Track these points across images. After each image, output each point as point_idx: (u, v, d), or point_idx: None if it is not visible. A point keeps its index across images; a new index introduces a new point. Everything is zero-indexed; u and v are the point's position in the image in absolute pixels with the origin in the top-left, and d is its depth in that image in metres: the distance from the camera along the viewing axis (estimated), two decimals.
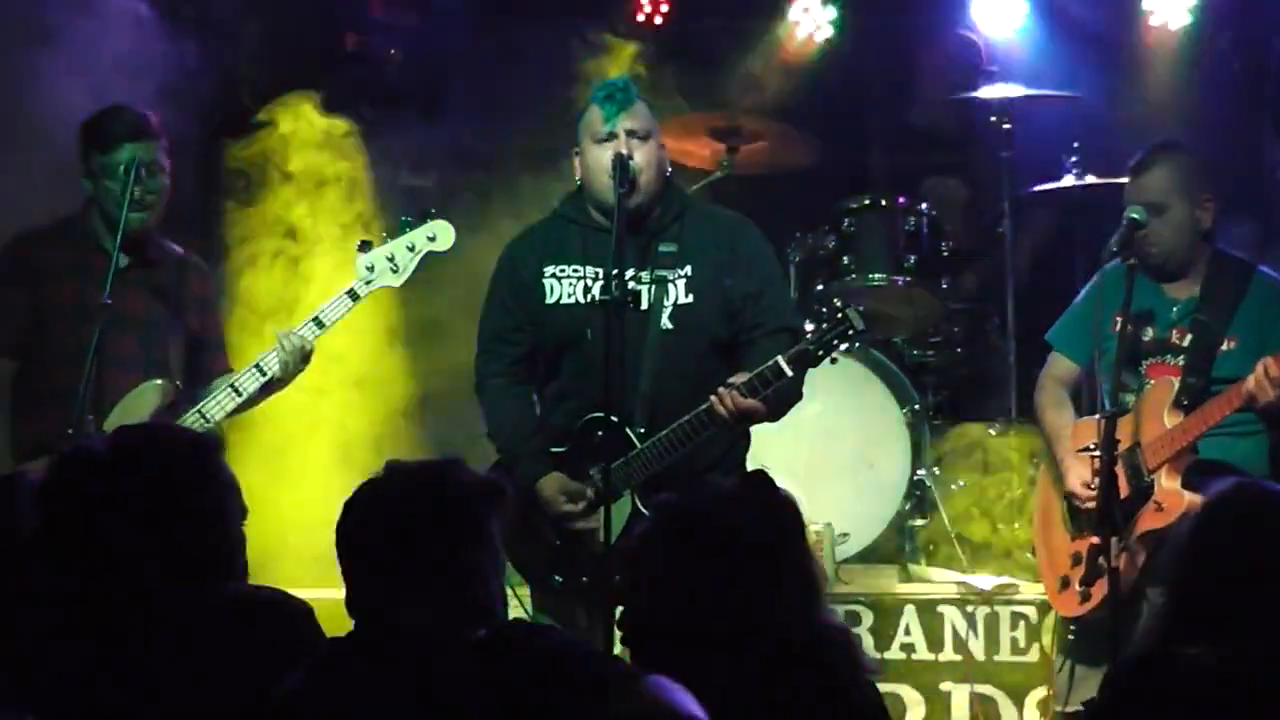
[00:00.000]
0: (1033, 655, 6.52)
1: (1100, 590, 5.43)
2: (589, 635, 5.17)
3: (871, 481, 7.25)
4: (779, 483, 3.41)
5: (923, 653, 6.60)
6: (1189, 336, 5.67)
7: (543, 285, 5.47)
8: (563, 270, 5.46)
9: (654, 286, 5.38)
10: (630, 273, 5.30)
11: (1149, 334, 5.72)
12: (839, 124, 8.54)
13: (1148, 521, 5.47)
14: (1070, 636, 5.79)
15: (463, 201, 7.12)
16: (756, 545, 3.15)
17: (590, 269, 5.42)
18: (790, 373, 5.13)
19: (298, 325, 5.51)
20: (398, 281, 5.57)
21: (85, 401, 5.22)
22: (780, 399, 5.24)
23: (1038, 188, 7.66)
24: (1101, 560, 5.33)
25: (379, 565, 3.30)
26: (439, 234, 5.59)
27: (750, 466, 5.43)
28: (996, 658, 6.57)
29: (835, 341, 5.13)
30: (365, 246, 5.57)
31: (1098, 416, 5.39)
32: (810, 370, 5.21)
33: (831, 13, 8.42)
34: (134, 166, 5.43)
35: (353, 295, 5.53)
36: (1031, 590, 6.57)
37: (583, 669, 2.73)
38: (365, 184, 7.49)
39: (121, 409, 5.37)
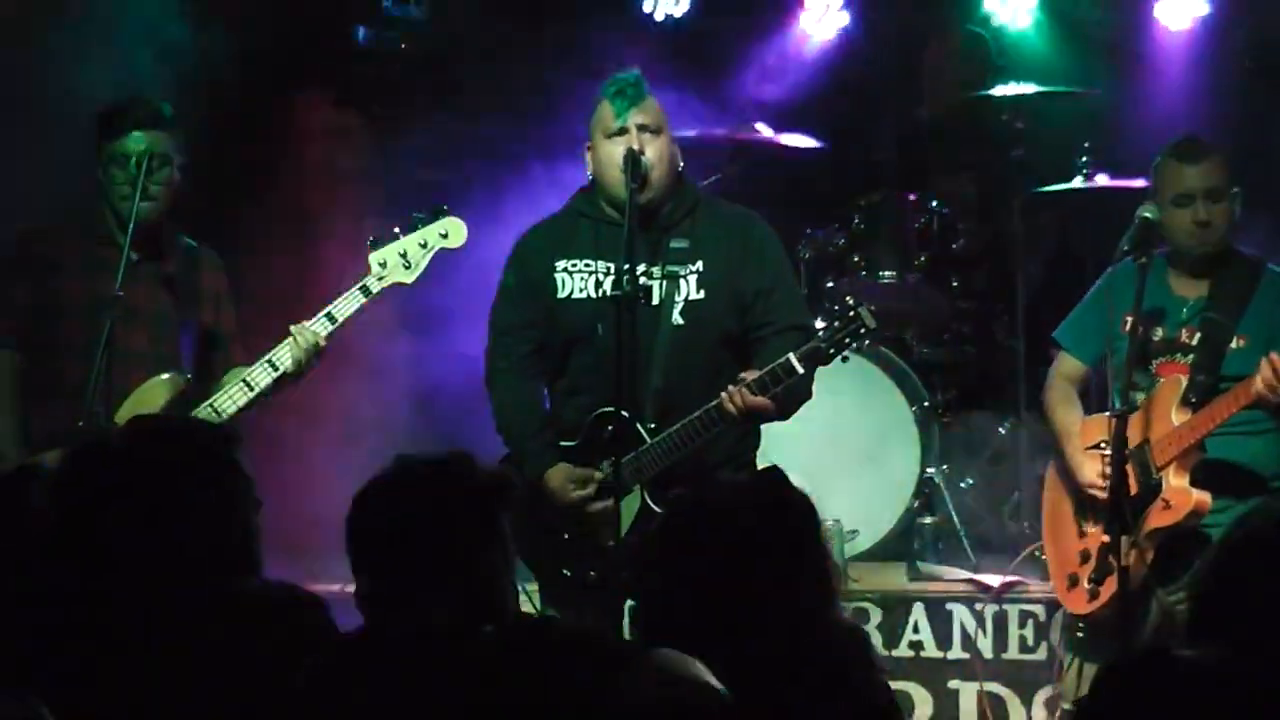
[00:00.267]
0: (1041, 653, 6.52)
1: (1109, 588, 5.44)
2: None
3: (880, 479, 7.25)
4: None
5: (931, 650, 6.60)
6: (1198, 335, 5.66)
7: (554, 280, 5.47)
8: (574, 265, 5.46)
9: (665, 282, 5.38)
10: (641, 268, 5.30)
11: (1159, 333, 5.70)
12: (850, 121, 8.54)
13: (1156, 519, 5.47)
14: (1079, 634, 5.78)
15: (474, 194, 7.12)
16: (772, 543, 3.14)
17: (602, 264, 5.42)
18: (801, 370, 5.13)
19: (310, 320, 5.51)
20: (410, 278, 5.57)
21: (96, 395, 5.20)
22: (790, 396, 5.24)
23: (1048, 188, 7.66)
24: (1111, 559, 5.34)
25: (390, 561, 3.29)
26: (451, 231, 5.60)
27: (760, 464, 5.44)
28: (1005, 655, 6.57)
29: (847, 340, 5.13)
30: (377, 242, 5.58)
31: (1109, 414, 5.39)
32: (819, 367, 5.21)
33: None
34: (143, 156, 5.41)
35: (365, 291, 5.53)
36: (1040, 588, 6.57)
37: (594, 652, 2.73)
38: (377, 177, 7.50)
39: (133, 402, 5.36)
